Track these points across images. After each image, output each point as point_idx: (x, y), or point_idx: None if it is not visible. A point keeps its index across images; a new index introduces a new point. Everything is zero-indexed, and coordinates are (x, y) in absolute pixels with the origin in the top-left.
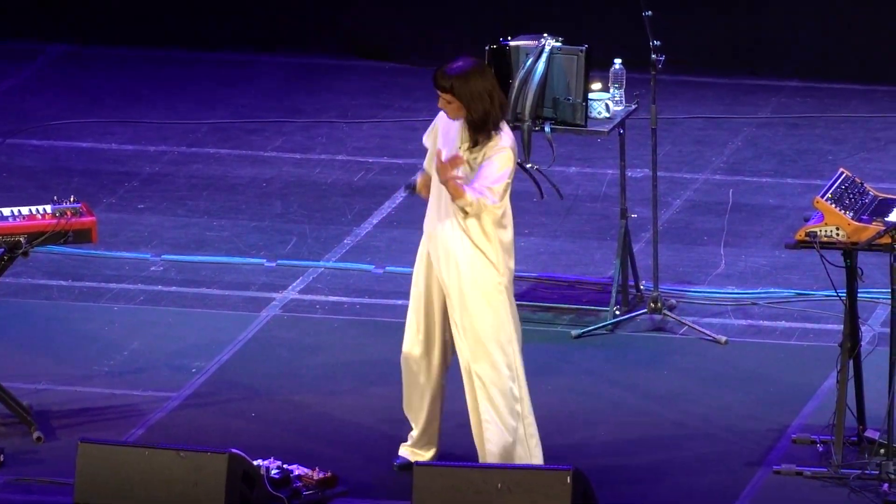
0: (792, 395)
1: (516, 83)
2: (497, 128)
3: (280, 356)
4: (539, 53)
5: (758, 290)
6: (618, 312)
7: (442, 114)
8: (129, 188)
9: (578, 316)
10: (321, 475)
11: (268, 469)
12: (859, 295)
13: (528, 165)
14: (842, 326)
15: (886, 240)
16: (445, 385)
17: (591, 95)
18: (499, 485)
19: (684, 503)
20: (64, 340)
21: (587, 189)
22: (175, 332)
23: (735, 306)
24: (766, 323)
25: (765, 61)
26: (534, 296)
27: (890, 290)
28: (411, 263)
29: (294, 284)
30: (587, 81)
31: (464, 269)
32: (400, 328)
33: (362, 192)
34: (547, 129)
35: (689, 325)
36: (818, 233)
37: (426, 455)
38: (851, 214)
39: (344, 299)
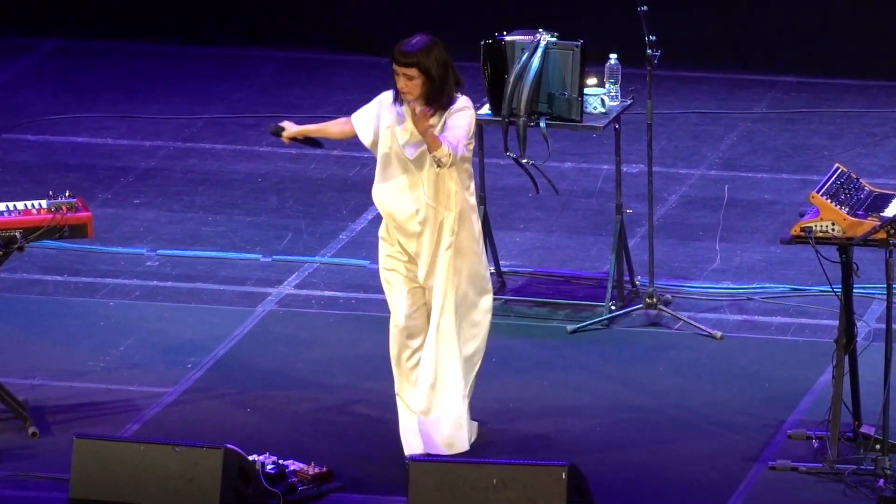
0: (787, 391)
1: (511, 78)
2: (452, 101)
3: (276, 351)
4: (534, 48)
5: (753, 286)
6: (613, 308)
7: (384, 99)
8: (125, 183)
9: (574, 311)
10: (317, 470)
11: (263, 464)
12: (855, 290)
13: (524, 161)
14: (837, 322)
15: (882, 235)
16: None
17: (586, 90)
18: (494, 480)
19: (679, 498)
20: (59, 336)
21: (582, 184)
22: (171, 327)
23: (730, 301)
24: (762, 318)
25: (760, 56)
26: (529, 291)
27: (885, 286)
28: None
29: (290, 280)
30: (583, 76)
31: (460, 223)
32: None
33: (357, 188)
34: (542, 124)
35: (685, 321)
36: (813, 228)
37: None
38: (847, 210)
39: (339, 294)
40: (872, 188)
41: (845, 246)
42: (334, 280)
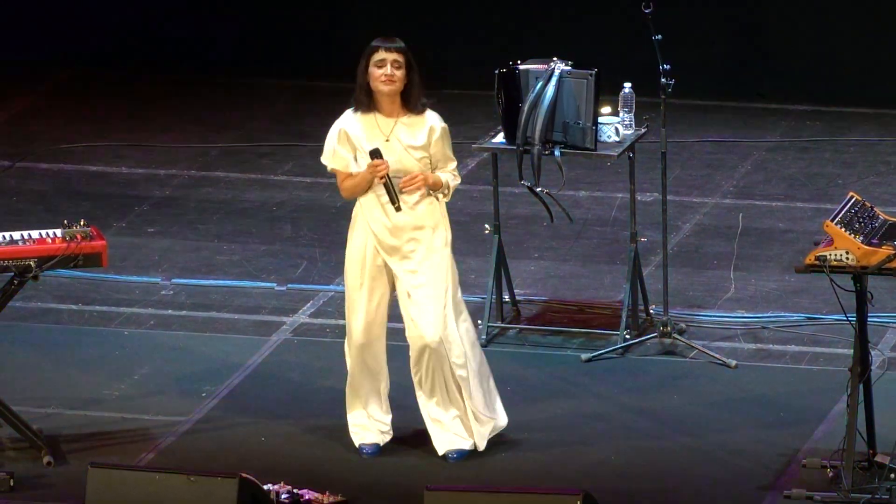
0: (802, 420)
1: (526, 107)
2: (422, 103)
3: (291, 380)
4: (549, 77)
5: (767, 315)
6: (628, 336)
7: (342, 126)
8: (140, 212)
9: (588, 340)
10: (332, 499)
11: (278, 493)
12: (869, 319)
13: (539, 189)
14: (851, 350)
15: None
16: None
17: (600, 119)
18: None
19: None
20: (74, 364)
21: (597, 213)
22: (185, 356)
23: (745, 330)
24: (776, 347)
25: (774, 85)
26: (544, 319)
27: None
28: None
29: (304, 308)
30: (597, 105)
31: (439, 236)
32: (407, 352)
33: None
34: (557, 152)
35: (699, 349)
36: (828, 257)
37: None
38: (861, 238)
39: None
40: (887, 217)
41: (860, 275)
42: None
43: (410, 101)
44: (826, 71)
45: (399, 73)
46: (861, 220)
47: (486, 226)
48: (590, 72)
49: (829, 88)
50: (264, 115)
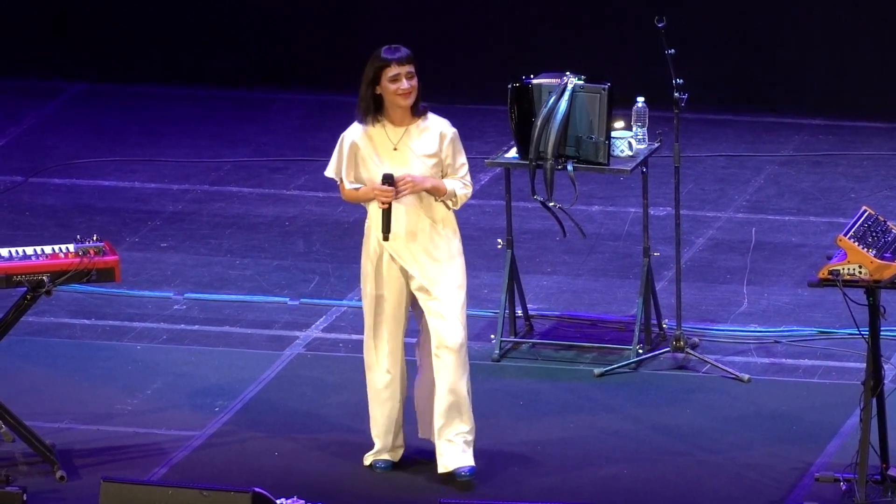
0: (815, 434)
1: (539, 121)
2: (422, 106)
3: (303, 394)
4: (561, 91)
5: (780, 329)
6: (640, 351)
7: (351, 138)
8: (152, 227)
9: (601, 354)
10: None
11: None
12: (882, 333)
13: (551, 204)
14: (864, 365)
15: None
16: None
17: (613, 134)
18: None
19: None
20: (87, 379)
21: (610, 227)
22: (198, 370)
23: (758, 344)
24: (789, 361)
25: (787, 99)
26: (556, 334)
27: None
28: None
29: (317, 323)
30: (610, 119)
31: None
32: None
33: None
34: (570, 167)
35: (712, 364)
36: (841, 271)
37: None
38: (874, 252)
39: None
40: None
41: (872, 288)
42: (362, 323)
43: (416, 107)
44: (839, 85)
45: (414, 83)
46: (874, 234)
47: (499, 240)
48: (603, 86)
49: (841, 102)
50: (277, 129)
